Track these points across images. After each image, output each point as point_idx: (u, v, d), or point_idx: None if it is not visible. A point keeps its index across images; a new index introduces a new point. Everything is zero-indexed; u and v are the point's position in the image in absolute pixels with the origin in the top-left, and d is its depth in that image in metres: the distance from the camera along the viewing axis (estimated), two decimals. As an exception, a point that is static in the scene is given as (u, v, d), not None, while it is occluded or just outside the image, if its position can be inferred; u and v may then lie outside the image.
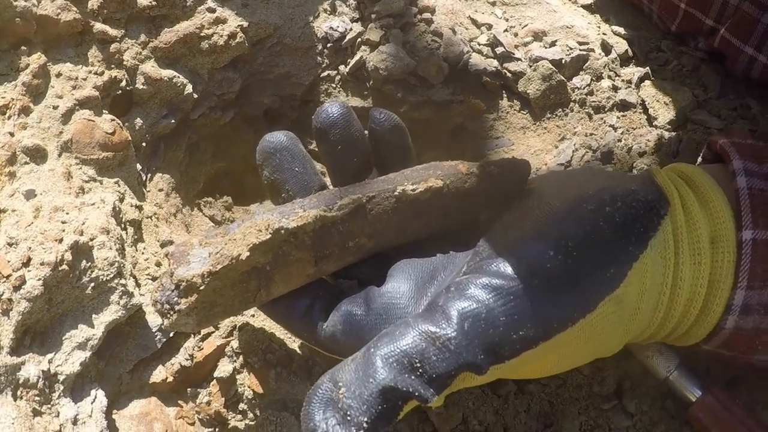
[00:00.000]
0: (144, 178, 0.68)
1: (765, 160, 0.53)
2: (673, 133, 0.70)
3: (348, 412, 0.43)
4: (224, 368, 0.61)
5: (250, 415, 0.60)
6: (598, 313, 0.47)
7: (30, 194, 0.58)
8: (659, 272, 0.49)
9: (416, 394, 0.44)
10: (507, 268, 0.47)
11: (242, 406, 0.61)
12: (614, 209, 0.48)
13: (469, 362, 0.44)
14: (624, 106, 0.72)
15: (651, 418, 0.61)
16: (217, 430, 0.60)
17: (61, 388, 0.54)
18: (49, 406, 0.53)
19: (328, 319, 0.52)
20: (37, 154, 0.60)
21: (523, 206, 0.52)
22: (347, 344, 0.51)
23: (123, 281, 0.58)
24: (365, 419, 0.43)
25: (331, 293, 0.54)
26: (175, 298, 0.50)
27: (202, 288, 0.49)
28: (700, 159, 0.61)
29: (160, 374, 0.60)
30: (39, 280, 0.53)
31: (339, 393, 0.44)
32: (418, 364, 0.44)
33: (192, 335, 0.61)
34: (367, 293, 0.53)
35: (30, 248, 0.54)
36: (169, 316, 0.50)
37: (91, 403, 0.56)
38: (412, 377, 0.44)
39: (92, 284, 0.56)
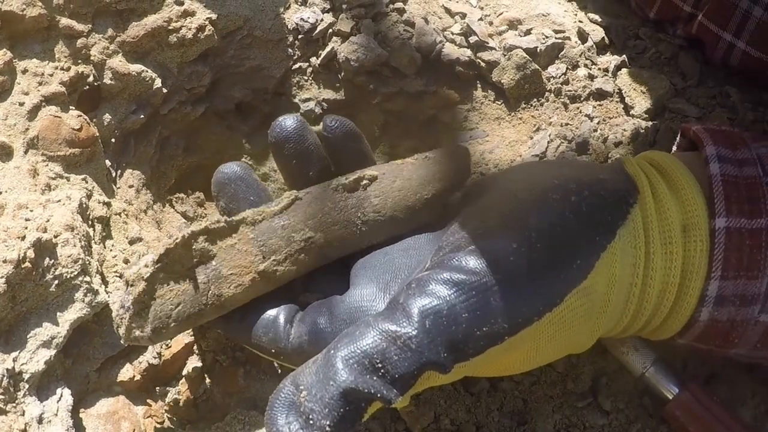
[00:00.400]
0: (114, 174, 0.67)
1: (739, 146, 0.52)
2: (650, 123, 0.69)
3: (310, 416, 0.42)
4: (193, 366, 0.61)
5: (219, 413, 0.60)
6: (566, 307, 0.46)
7: (-6, 192, 0.58)
8: (629, 262, 0.48)
9: (378, 395, 0.43)
10: (469, 262, 0.46)
11: (211, 404, 0.61)
12: (580, 199, 0.48)
13: (432, 361, 0.43)
14: (600, 95, 0.71)
15: (627, 416, 0.61)
16: (186, 428, 0.60)
17: (26, 386, 0.54)
18: (14, 404, 0.53)
19: (292, 332, 0.51)
20: (3, 152, 0.60)
21: (487, 197, 0.51)
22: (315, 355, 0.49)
23: (88, 278, 0.57)
24: (328, 422, 0.42)
25: (294, 307, 0.53)
26: (126, 297, 0.51)
27: (147, 276, 0.50)
28: (674, 147, 0.60)
29: (127, 373, 0.60)
30: (1, 278, 0.53)
31: (300, 396, 0.43)
32: (380, 365, 0.43)
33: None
34: (330, 302, 0.52)
35: (-8, 246, 0.54)
36: (122, 322, 0.51)
37: (57, 401, 0.56)
38: (374, 378, 0.43)
39: (56, 282, 0.56)
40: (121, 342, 0.51)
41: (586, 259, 0.46)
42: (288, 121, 0.56)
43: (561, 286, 0.46)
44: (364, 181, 0.54)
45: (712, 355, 0.54)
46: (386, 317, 0.45)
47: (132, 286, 0.51)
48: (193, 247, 0.51)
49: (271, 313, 0.52)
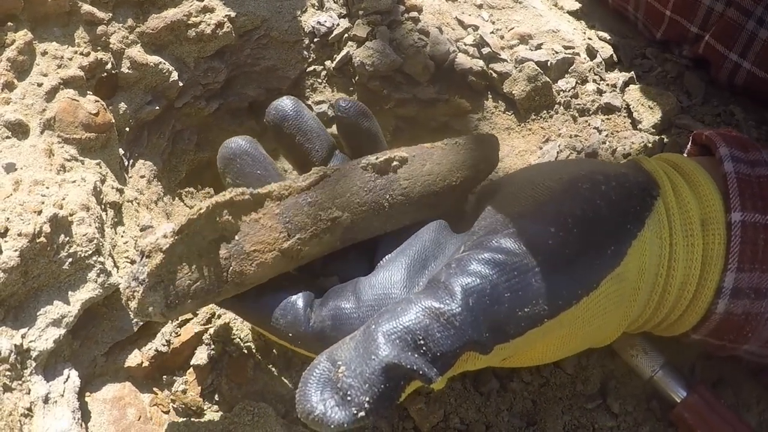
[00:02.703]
0: (126, 163, 0.67)
1: (750, 149, 0.53)
2: (657, 137, 0.70)
3: (348, 392, 0.41)
4: (201, 356, 0.60)
5: (226, 404, 0.59)
6: (602, 292, 0.46)
7: (10, 167, 0.57)
8: (656, 253, 0.49)
9: (420, 372, 0.42)
10: (509, 244, 0.46)
11: (219, 395, 0.59)
12: (609, 188, 0.48)
13: (474, 340, 0.43)
14: (608, 109, 0.72)
15: (635, 418, 0.61)
16: (192, 419, 0.58)
17: (33, 364, 0.52)
18: (20, 382, 0.51)
19: (313, 316, 0.49)
20: (19, 130, 0.59)
21: (513, 188, 0.52)
22: (337, 341, 0.47)
23: (101, 259, 0.57)
24: (367, 398, 0.41)
25: (313, 290, 0.51)
26: (141, 269, 0.48)
27: (166, 247, 0.47)
28: (684, 154, 0.61)
29: (135, 358, 0.59)
30: (16, 251, 0.52)
31: (338, 372, 0.42)
32: (422, 341, 0.42)
33: (170, 321, 0.60)
34: (355, 285, 0.50)
35: (8, 219, 0.53)
36: (135, 295, 0.48)
37: (64, 382, 0.54)
38: (416, 355, 0.42)
39: (70, 260, 0.55)
40: (132, 316, 0.49)
41: (619, 245, 0.47)
42: (283, 101, 0.56)
43: (598, 271, 0.46)
44: (395, 163, 0.54)
45: (723, 352, 0.54)
46: (428, 295, 0.44)
47: (148, 257, 0.48)
48: (217, 219, 0.49)
49: (290, 295, 0.50)
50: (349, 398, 0.41)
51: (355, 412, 0.41)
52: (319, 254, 0.53)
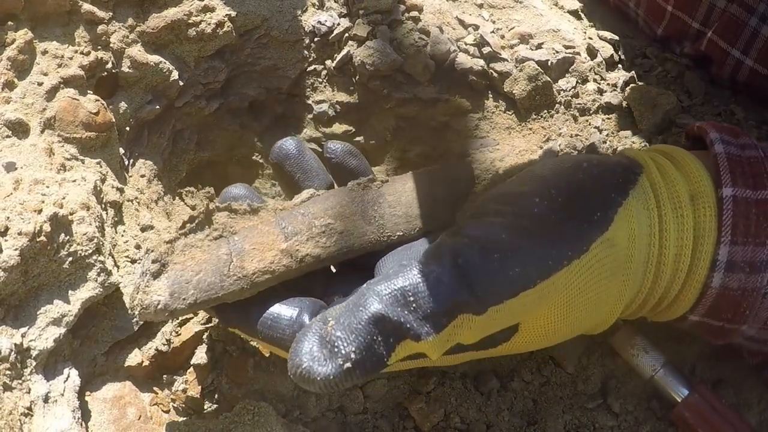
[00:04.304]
0: (126, 162, 0.67)
1: (741, 136, 0.55)
2: (658, 137, 0.70)
3: (336, 344, 0.42)
4: (202, 355, 0.60)
5: (227, 404, 0.59)
6: (593, 256, 0.47)
7: (10, 167, 0.57)
8: (645, 222, 0.50)
9: (409, 327, 0.43)
10: (499, 208, 0.48)
11: (219, 395, 0.59)
12: (591, 165, 0.50)
13: (465, 299, 0.44)
14: (609, 108, 0.72)
15: (636, 418, 0.61)
16: (192, 418, 0.58)
17: (33, 363, 0.52)
18: (20, 381, 0.51)
19: None
20: (20, 129, 0.59)
21: (504, 185, 0.53)
22: None
23: (101, 258, 0.57)
24: (353, 349, 0.42)
25: (317, 304, 0.52)
26: (146, 262, 0.50)
27: (169, 239, 0.51)
28: None
29: (135, 358, 0.59)
30: (16, 250, 0.52)
31: (328, 327, 0.43)
32: (412, 298, 0.43)
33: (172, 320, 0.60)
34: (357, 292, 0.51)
35: (8, 218, 0.53)
36: (140, 286, 0.50)
37: (64, 381, 0.54)
38: (406, 311, 0.43)
39: (70, 258, 0.55)
40: (138, 314, 0.50)
41: (606, 211, 0.48)
42: (287, 142, 0.61)
43: (586, 234, 0.47)
44: (377, 182, 0.58)
45: (722, 335, 0.54)
46: (420, 260, 0.46)
47: (153, 251, 0.51)
48: (215, 219, 0.53)
49: (293, 309, 0.51)
50: (336, 350, 0.42)
51: (342, 363, 0.42)
52: (319, 261, 0.54)
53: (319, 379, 0.42)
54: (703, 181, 0.51)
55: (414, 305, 0.43)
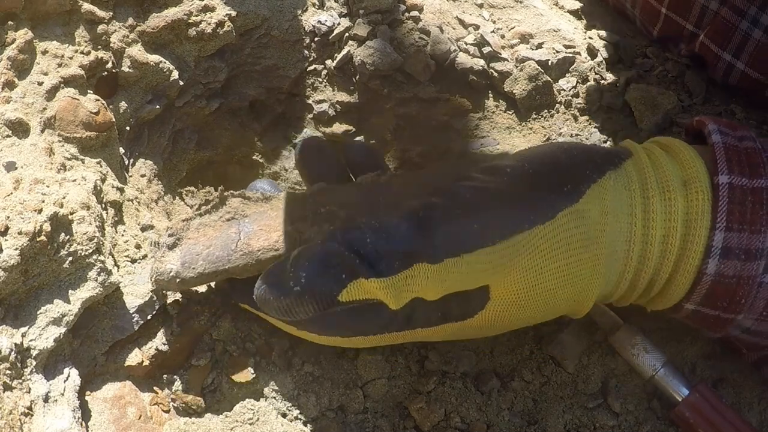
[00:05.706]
0: (126, 162, 0.67)
1: (738, 128, 0.55)
2: (659, 136, 0.70)
3: (290, 272, 0.46)
4: (202, 355, 0.60)
5: (227, 403, 0.59)
6: (560, 224, 0.48)
7: (11, 166, 0.57)
8: (624, 202, 0.50)
9: (359, 263, 0.46)
10: (467, 179, 0.50)
11: (219, 395, 0.59)
12: (572, 146, 0.52)
13: (420, 247, 0.46)
14: (609, 108, 0.72)
15: (636, 417, 0.61)
16: (192, 418, 0.58)
17: (34, 363, 0.52)
18: (20, 381, 0.51)
19: None
20: (20, 128, 0.59)
21: None
22: None
23: (102, 258, 0.56)
24: (304, 274, 0.46)
25: None
26: (166, 238, 0.56)
27: (188, 218, 0.56)
28: None
29: (135, 357, 0.59)
30: (16, 249, 0.52)
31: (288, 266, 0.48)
32: (368, 239, 0.47)
33: (172, 319, 0.60)
34: None
35: (8, 217, 0.53)
36: (156, 257, 0.56)
37: (64, 381, 0.54)
38: (361, 252, 0.46)
39: (70, 258, 0.55)
40: (152, 276, 0.55)
41: (576, 186, 0.49)
42: (310, 140, 0.62)
43: (553, 204, 0.49)
44: (383, 177, 0.59)
45: (719, 326, 0.54)
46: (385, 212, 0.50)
47: (170, 228, 0.56)
48: (228, 203, 0.57)
49: None
50: (291, 275, 0.47)
51: (292, 285, 0.46)
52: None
53: (272, 299, 0.47)
54: (697, 167, 0.51)
55: (370, 246, 0.46)
